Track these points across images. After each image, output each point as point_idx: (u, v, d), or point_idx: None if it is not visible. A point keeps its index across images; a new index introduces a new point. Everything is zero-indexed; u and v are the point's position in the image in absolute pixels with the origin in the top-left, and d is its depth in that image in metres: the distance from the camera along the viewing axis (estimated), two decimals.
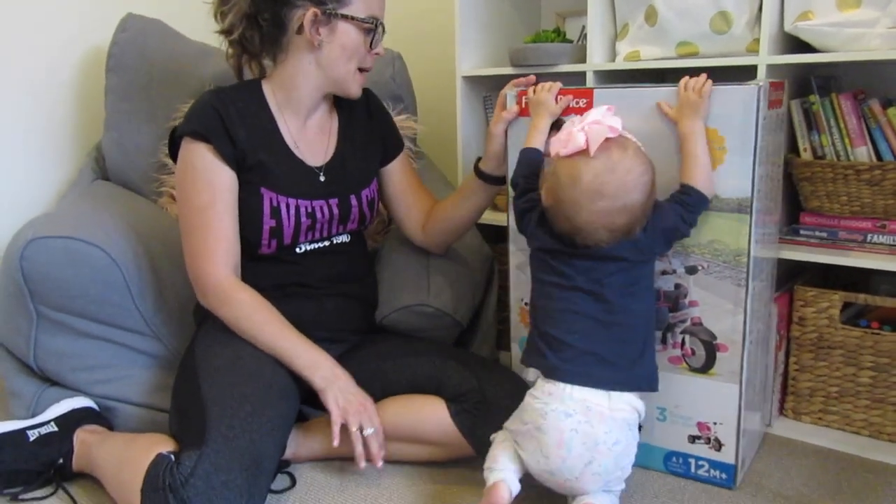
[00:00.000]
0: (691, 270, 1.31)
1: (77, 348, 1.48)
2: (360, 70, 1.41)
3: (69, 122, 1.96)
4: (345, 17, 1.34)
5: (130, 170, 1.83)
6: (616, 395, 1.16)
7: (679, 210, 1.21)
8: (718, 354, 1.31)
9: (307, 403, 1.40)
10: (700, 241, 1.29)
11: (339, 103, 1.51)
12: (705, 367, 1.32)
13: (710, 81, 1.23)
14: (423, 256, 1.59)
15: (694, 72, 1.28)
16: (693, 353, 1.33)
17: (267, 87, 1.43)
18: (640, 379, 1.20)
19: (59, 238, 1.42)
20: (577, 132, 1.16)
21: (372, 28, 1.37)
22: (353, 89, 1.42)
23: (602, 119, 1.17)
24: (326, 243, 1.47)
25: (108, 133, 1.86)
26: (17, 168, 1.89)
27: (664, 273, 1.33)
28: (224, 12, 1.40)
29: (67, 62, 1.93)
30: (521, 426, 1.20)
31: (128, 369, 1.51)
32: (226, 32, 1.41)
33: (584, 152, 1.16)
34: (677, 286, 1.32)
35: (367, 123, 1.53)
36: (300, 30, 1.34)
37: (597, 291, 1.18)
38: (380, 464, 1.32)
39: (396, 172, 1.58)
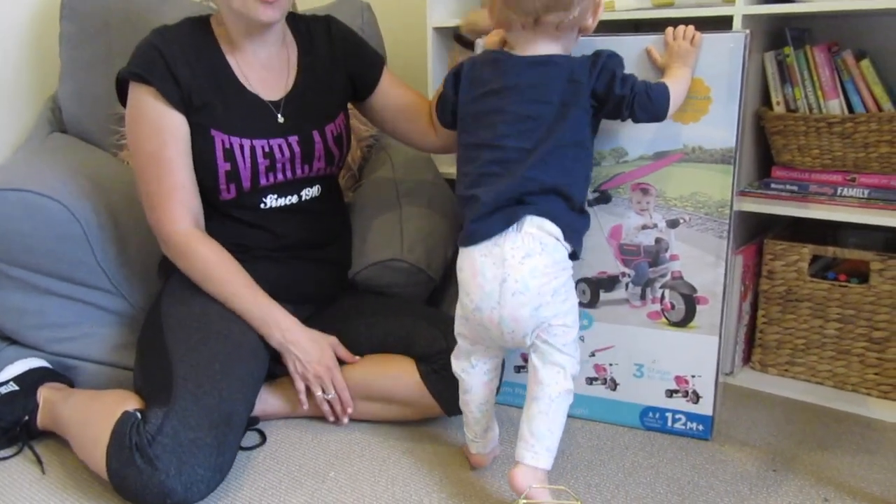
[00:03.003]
0: (673, 224, 1.30)
1: (37, 305, 1.44)
2: None
3: (23, 73, 1.87)
4: None
5: (88, 121, 1.76)
6: (524, 220, 1.11)
7: (634, 79, 1.15)
8: (698, 307, 1.31)
9: (277, 362, 1.38)
10: (682, 193, 1.28)
11: (297, 34, 1.42)
12: (685, 321, 1.33)
13: (698, 32, 1.21)
14: (396, 210, 1.57)
15: (670, 22, 1.26)
16: (672, 307, 1.33)
17: (214, 22, 1.36)
18: (557, 220, 1.12)
19: (15, 191, 1.37)
20: None
21: None
22: (254, 13, 1.25)
23: None
24: (294, 199, 1.41)
25: (64, 83, 1.78)
26: None
27: (644, 227, 1.32)
28: None
29: (18, 9, 1.84)
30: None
31: (90, 327, 1.47)
32: None
33: None
34: (658, 240, 1.32)
35: (330, 54, 1.44)
36: None
37: (524, 147, 1.12)
38: (345, 421, 1.37)
39: (387, 92, 1.48)
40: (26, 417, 1.34)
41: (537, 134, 1.13)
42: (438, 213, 1.60)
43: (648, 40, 1.25)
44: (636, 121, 1.18)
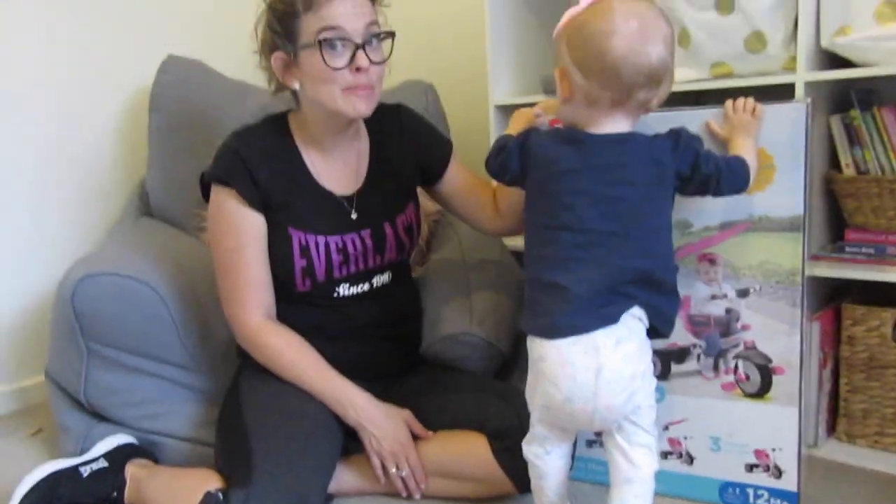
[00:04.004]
0: (743, 293, 1.29)
1: (125, 383, 1.51)
2: (350, 89, 1.27)
3: (115, 162, 2.02)
4: (302, 48, 1.27)
5: (173, 206, 1.88)
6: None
7: (715, 156, 1.14)
8: (774, 377, 1.28)
9: (352, 438, 1.41)
10: (751, 262, 1.27)
11: (367, 123, 1.46)
12: (761, 392, 1.30)
13: (758, 104, 1.22)
14: (465, 285, 1.59)
15: (730, 93, 1.28)
16: (747, 378, 1.30)
17: (292, 120, 1.41)
18: (649, 306, 1.10)
19: (108, 275, 1.46)
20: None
21: (320, 45, 1.24)
22: (349, 110, 1.29)
23: None
24: (366, 287, 1.43)
25: (151, 171, 1.91)
26: (69, 207, 1.95)
27: (714, 298, 1.31)
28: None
29: (112, 102, 2.00)
30: (530, 375, 1.14)
31: (174, 404, 1.54)
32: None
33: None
34: (728, 311, 1.30)
35: (400, 143, 1.47)
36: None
37: (609, 230, 1.08)
38: (417, 496, 1.37)
39: (453, 179, 1.50)
40: (115, 493, 1.39)
41: (624, 216, 1.09)
42: (506, 287, 1.62)
43: (707, 114, 1.26)
44: (719, 195, 1.16)
